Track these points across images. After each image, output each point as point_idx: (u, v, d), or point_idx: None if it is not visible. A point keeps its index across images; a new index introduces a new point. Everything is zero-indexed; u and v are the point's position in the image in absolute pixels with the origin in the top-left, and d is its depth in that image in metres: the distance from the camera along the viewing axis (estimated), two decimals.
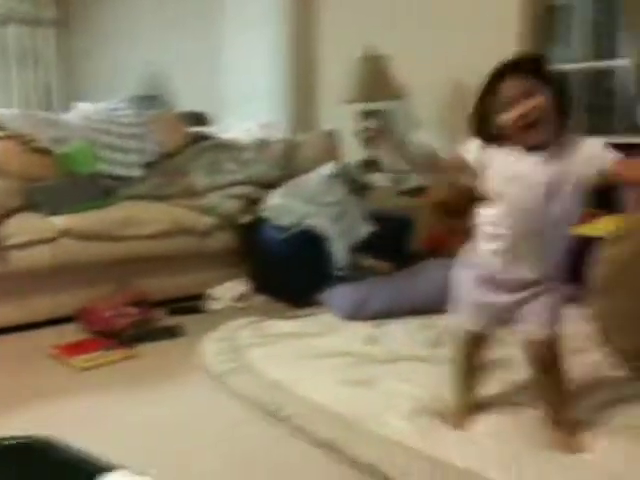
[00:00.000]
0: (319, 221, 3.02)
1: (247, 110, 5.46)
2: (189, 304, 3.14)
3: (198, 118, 5.51)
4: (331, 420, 1.75)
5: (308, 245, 2.98)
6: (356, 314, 2.65)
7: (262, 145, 3.59)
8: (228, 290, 3.17)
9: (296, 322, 2.68)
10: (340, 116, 4.29)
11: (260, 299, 3.21)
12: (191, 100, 5.88)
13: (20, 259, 2.72)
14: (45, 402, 2.13)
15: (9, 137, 3.16)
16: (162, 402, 2.12)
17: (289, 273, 2.99)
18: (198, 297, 3.20)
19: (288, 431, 1.82)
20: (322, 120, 4.89)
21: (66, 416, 2.01)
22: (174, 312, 3.05)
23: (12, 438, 1.14)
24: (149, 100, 5.72)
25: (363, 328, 2.54)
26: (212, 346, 2.45)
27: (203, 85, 5.85)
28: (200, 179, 3.39)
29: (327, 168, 3.32)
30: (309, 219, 3.00)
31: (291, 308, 2.98)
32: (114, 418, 2.01)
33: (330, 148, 3.72)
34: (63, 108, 5.07)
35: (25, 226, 2.78)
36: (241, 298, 3.15)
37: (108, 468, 1.11)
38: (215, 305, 3.13)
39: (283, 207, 3.06)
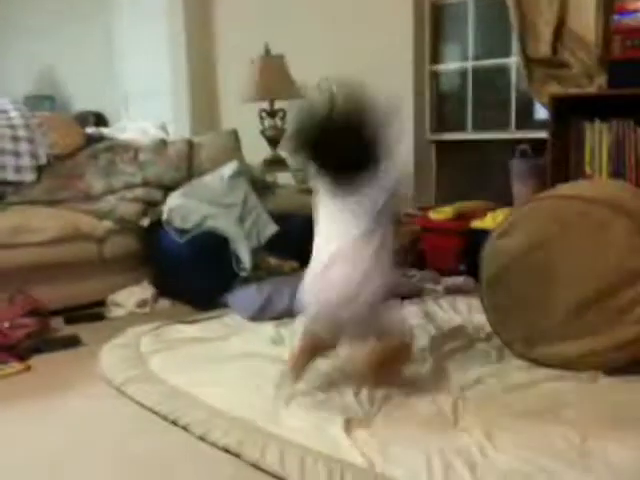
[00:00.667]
0: (221, 222, 2.99)
1: (146, 109, 5.35)
2: (89, 312, 3.04)
3: (96, 118, 5.35)
4: (231, 425, 1.73)
5: (210, 247, 2.94)
6: (260, 315, 2.65)
7: (160, 146, 3.51)
8: (130, 296, 3.09)
9: (199, 326, 2.65)
10: (243, 115, 4.27)
11: (164, 304, 3.15)
12: (88, 100, 5.70)
13: None
14: None
15: None
16: (58, 414, 2.05)
17: (192, 276, 2.94)
18: (100, 304, 3.10)
19: (189, 438, 1.79)
20: (224, 119, 4.85)
21: None
22: (73, 320, 2.94)
23: None
24: (42, 100, 5.51)
25: (267, 328, 2.53)
26: (112, 354, 2.38)
27: (100, 84, 5.68)
28: (96, 182, 3.28)
29: (228, 168, 3.29)
30: (211, 220, 2.97)
31: (196, 312, 2.94)
32: (6, 434, 1.93)
33: (232, 148, 3.69)
34: None
35: None
36: (144, 303, 3.08)
37: None
38: (117, 312, 3.05)
39: (183, 209, 3.01)
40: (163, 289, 3.16)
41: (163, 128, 3.93)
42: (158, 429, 1.89)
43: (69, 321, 2.94)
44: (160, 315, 2.97)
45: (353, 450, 1.56)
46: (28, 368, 2.45)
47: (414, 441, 1.61)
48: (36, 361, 2.51)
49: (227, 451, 1.67)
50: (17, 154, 3.29)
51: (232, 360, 2.22)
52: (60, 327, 2.88)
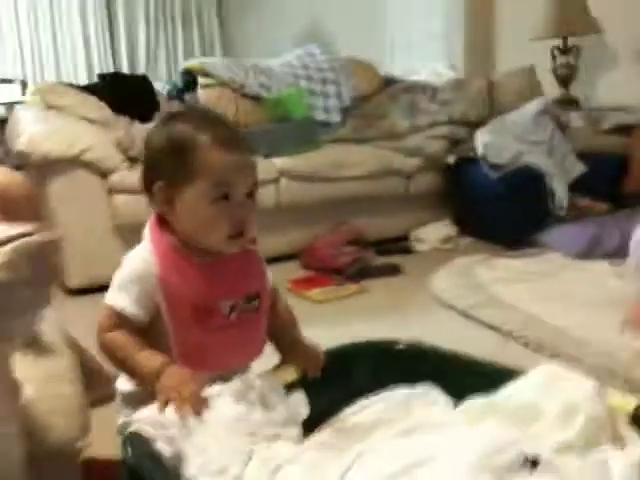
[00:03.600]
0: (534, 159, 2.93)
1: (414, 55, 5.35)
2: (397, 245, 3.16)
3: None
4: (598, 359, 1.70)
5: (525, 183, 2.90)
6: (590, 252, 2.57)
7: (459, 84, 3.52)
8: (434, 232, 3.16)
9: (524, 261, 2.63)
10: (524, 53, 4.10)
11: (466, 241, 3.18)
12: (352, 49, 5.85)
13: None
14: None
15: (221, 85, 3.27)
16: (397, 330, 2.15)
17: (502, 213, 2.93)
18: (403, 238, 3.22)
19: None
20: (501, 59, 4.71)
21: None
22: (383, 252, 3.08)
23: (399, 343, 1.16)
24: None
25: (603, 266, 2.45)
26: (446, 282, 2.46)
27: (364, 33, 5.80)
28: (400, 121, 3.37)
29: (534, 105, 3.21)
30: (526, 156, 2.92)
31: (501, 249, 2.93)
32: None
33: (531, 85, 3.58)
34: None
35: None
36: (448, 240, 3.13)
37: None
38: (421, 246, 3.14)
39: (495, 145, 2.99)
40: (465, 226, 3.19)
41: (454, 68, 3.93)
42: (519, 353, 1.93)
43: (380, 252, 3.08)
44: (463, 252, 3.01)
45: None
46: (362, 290, 2.62)
47: None
48: (366, 285, 2.68)
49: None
50: (326, 95, 3.48)
51: (582, 295, 2.17)
52: (372, 257, 3.03)
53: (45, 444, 0.83)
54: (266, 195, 2.86)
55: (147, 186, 1.03)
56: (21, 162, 2.50)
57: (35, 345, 0.98)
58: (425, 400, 1.05)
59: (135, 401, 1.02)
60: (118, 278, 1.01)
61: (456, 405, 1.02)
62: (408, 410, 1.04)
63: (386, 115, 3.42)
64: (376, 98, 3.57)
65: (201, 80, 3.25)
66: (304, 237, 2.95)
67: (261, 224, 3.08)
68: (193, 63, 3.35)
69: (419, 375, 1.07)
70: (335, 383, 1.09)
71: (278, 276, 2.89)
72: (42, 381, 0.92)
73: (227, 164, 0.99)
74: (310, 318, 2.35)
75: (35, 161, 2.52)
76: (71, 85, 3.27)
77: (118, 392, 1.06)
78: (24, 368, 0.91)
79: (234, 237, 1.01)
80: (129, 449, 0.85)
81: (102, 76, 3.46)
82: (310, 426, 1.07)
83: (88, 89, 3.22)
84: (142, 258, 1.01)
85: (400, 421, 0.95)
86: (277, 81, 3.35)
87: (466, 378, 1.02)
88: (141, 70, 6.61)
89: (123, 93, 3.20)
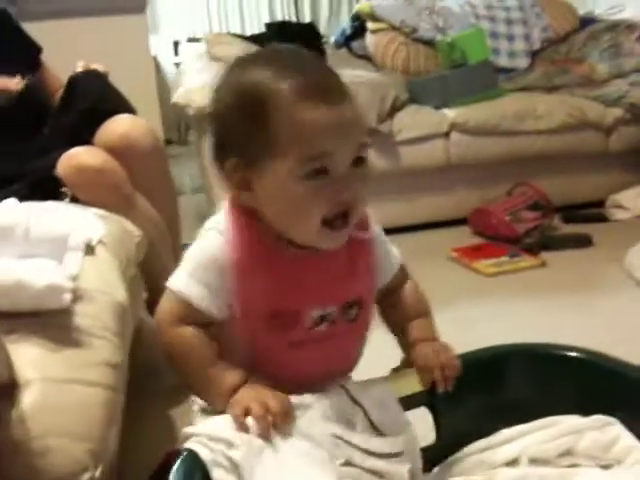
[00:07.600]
0: None
1: None
2: (589, 212, 2.71)
3: None
4: None
5: None
6: None
7: None
8: (637, 197, 2.66)
9: None
10: None
11: None
12: None
13: (412, 155, 2.56)
14: (458, 306, 1.94)
15: (390, 29, 2.98)
16: (580, 311, 1.85)
17: None
18: (597, 204, 2.74)
19: None
20: None
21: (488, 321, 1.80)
22: (571, 219, 2.66)
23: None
24: None
25: None
26: None
27: None
28: (600, 65, 2.86)
29: None
30: None
31: None
32: (524, 324, 1.77)
33: None
34: None
35: (416, 120, 2.58)
36: None
37: None
38: (620, 214, 2.66)
39: None
40: None
41: None
42: None
43: (567, 220, 2.66)
44: None
45: None
46: (543, 263, 2.25)
47: None
48: (547, 257, 2.30)
49: None
50: (511, 38, 3.06)
51: None
52: (557, 225, 2.62)
53: (32, 476, 0.62)
54: (434, 151, 2.56)
55: (219, 160, 0.76)
56: (178, 116, 2.42)
57: (60, 331, 0.77)
58: (603, 439, 0.73)
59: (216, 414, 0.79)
60: (189, 258, 0.77)
61: None
62: (577, 449, 0.73)
63: (583, 58, 2.92)
64: (572, 39, 3.07)
65: (370, 25, 2.97)
66: (475, 199, 2.61)
67: (427, 183, 2.79)
68: (363, 5, 3.07)
69: (593, 396, 0.76)
70: (474, 401, 0.81)
71: (442, 243, 2.64)
72: (52, 383, 0.70)
73: (323, 124, 0.69)
74: (475, 294, 2.09)
75: (191, 114, 2.43)
76: (238, 35, 3.16)
77: (195, 403, 0.84)
78: (35, 364, 0.70)
79: (332, 224, 0.72)
80: (178, 473, 0.64)
81: (269, 25, 3.33)
82: (436, 457, 0.80)
83: (255, 39, 3.11)
84: (217, 237, 0.76)
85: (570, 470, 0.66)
86: (455, 23, 2.98)
87: None
88: (324, 22, 6.44)
89: (289, 42, 3.03)
